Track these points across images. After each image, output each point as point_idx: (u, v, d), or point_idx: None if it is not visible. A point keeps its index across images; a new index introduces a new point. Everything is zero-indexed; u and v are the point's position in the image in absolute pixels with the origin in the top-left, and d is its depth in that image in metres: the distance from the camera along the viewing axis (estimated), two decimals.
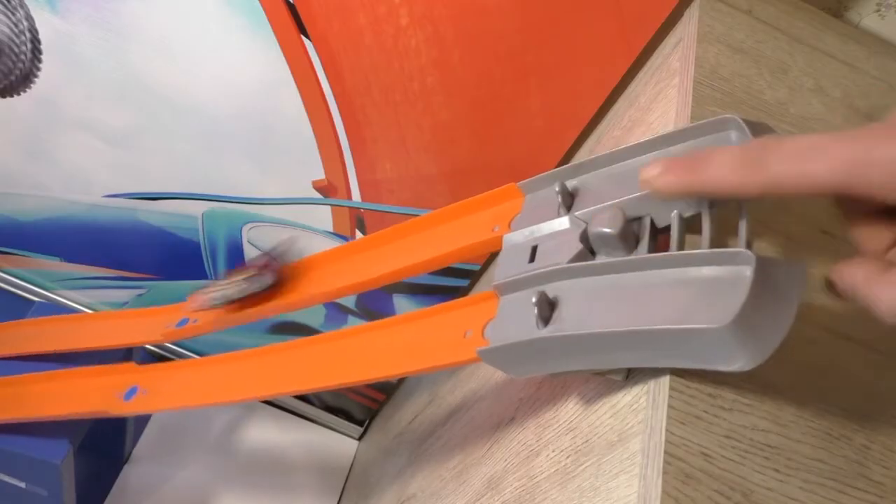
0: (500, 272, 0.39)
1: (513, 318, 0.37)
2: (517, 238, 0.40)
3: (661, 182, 0.32)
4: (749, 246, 0.31)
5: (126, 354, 0.75)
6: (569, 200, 0.39)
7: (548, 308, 0.34)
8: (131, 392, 0.60)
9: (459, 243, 0.45)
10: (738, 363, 0.28)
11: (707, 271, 0.30)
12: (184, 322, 0.62)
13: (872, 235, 0.30)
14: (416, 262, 0.48)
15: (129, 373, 0.62)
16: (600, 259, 0.35)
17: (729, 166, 0.30)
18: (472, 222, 0.46)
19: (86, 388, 0.64)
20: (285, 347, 0.51)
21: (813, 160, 0.28)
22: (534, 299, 0.34)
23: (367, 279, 0.51)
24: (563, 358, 0.33)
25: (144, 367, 0.62)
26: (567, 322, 0.33)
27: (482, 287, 0.80)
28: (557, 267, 0.35)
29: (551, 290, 0.35)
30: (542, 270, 0.36)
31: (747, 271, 0.28)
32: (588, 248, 0.36)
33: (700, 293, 0.30)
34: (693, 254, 0.31)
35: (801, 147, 0.28)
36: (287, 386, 0.51)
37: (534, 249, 0.38)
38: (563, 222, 0.38)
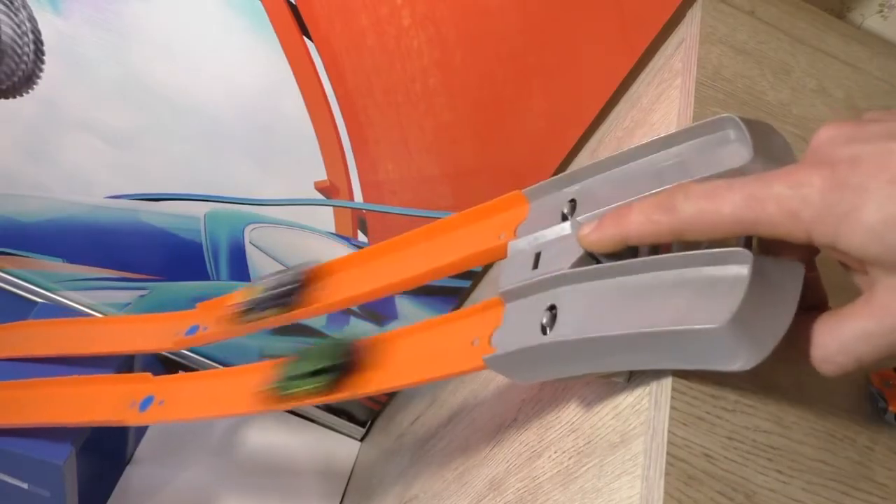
0: (504, 279, 0.39)
1: (518, 325, 0.37)
2: (521, 245, 0.40)
3: (593, 239, 0.34)
4: (748, 245, 0.31)
5: (127, 358, 0.75)
6: (572, 206, 0.40)
7: (551, 314, 0.34)
8: (147, 402, 0.60)
9: (466, 251, 0.46)
10: (737, 362, 0.28)
11: (706, 271, 0.30)
12: (194, 330, 0.63)
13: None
14: (425, 270, 0.48)
15: (144, 382, 0.63)
16: (602, 263, 0.35)
17: (645, 213, 0.31)
18: (478, 230, 0.46)
19: (100, 397, 0.64)
20: None
21: (717, 199, 0.29)
22: (536, 306, 0.34)
23: (377, 287, 0.51)
24: (565, 364, 0.34)
25: (160, 377, 0.63)
26: (569, 327, 0.33)
27: (484, 288, 0.80)
28: (558, 273, 0.35)
29: (554, 295, 0.35)
30: (545, 277, 0.36)
31: (745, 270, 0.28)
32: (589, 252, 0.36)
33: (699, 293, 0.30)
34: (691, 254, 0.31)
35: (708, 188, 0.29)
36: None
37: (537, 256, 0.38)
38: (565, 228, 0.38)
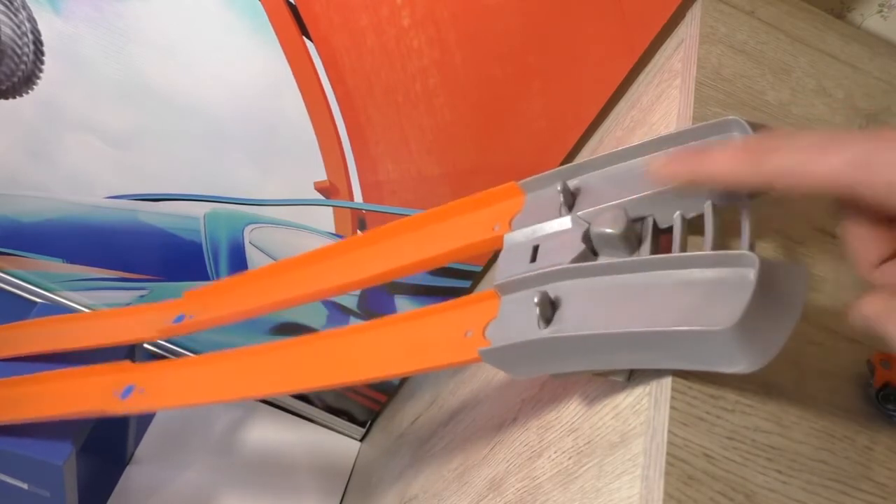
0: (501, 272, 0.39)
1: (514, 319, 0.37)
2: (518, 237, 0.40)
3: (666, 170, 0.33)
4: (752, 248, 0.31)
5: (128, 353, 0.75)
6: (570, 200, 0.39)
7: (549, 308, 0.34)
8: (128, 391, 0.60)
9: (459, 242, 0.45)
10: (741, 365, 0.28)
11: (710, 273, 0.30)
12: (180, 318, 0.62)
13: (868, 244, 0.29)
14: (414, 260, 0.47)
15: (125, 371, 0.62)
16: (602, 259, 0.35)
17: (732, 156, 0.30)
18: (471, 220, 0.46)
19: (83, 388, 0.64)
20: (284, 346, 0.51)
21: (819, 155, 0.27)
22: (535, 299, 0.34)
23: (365, 277, 0.50)
24: (564, 359, 0.33)
25: (141, 365, 0.62)
26: (569, 323, 0.33)
27: (484, 288, 0.80)
28: (559, 267, 0.35)
29: (553, 290, 0.35)
30: (544, 270, 0.36)
31: (751, 274, 0.28)
32: (590, 248, 0.36)
33: (703, 295, 0.30)
34: (696, 255, 0.30)
35: (808, 142, 0.27)
36: (286, 385, 0.51)
37: (535, 249, 0.38)
38: (565, 222, 0.38)
